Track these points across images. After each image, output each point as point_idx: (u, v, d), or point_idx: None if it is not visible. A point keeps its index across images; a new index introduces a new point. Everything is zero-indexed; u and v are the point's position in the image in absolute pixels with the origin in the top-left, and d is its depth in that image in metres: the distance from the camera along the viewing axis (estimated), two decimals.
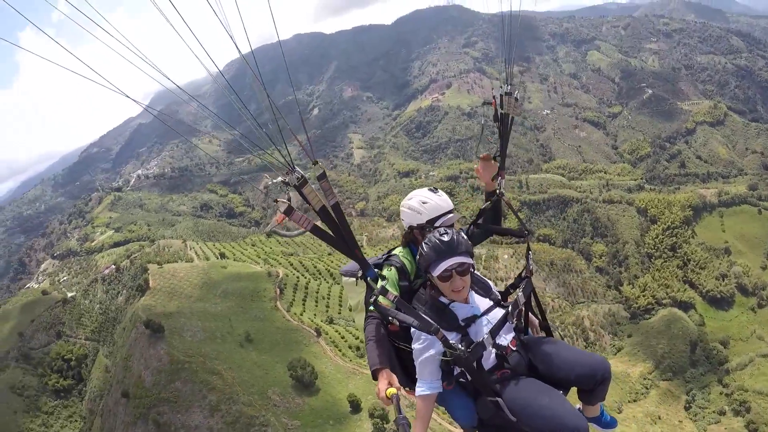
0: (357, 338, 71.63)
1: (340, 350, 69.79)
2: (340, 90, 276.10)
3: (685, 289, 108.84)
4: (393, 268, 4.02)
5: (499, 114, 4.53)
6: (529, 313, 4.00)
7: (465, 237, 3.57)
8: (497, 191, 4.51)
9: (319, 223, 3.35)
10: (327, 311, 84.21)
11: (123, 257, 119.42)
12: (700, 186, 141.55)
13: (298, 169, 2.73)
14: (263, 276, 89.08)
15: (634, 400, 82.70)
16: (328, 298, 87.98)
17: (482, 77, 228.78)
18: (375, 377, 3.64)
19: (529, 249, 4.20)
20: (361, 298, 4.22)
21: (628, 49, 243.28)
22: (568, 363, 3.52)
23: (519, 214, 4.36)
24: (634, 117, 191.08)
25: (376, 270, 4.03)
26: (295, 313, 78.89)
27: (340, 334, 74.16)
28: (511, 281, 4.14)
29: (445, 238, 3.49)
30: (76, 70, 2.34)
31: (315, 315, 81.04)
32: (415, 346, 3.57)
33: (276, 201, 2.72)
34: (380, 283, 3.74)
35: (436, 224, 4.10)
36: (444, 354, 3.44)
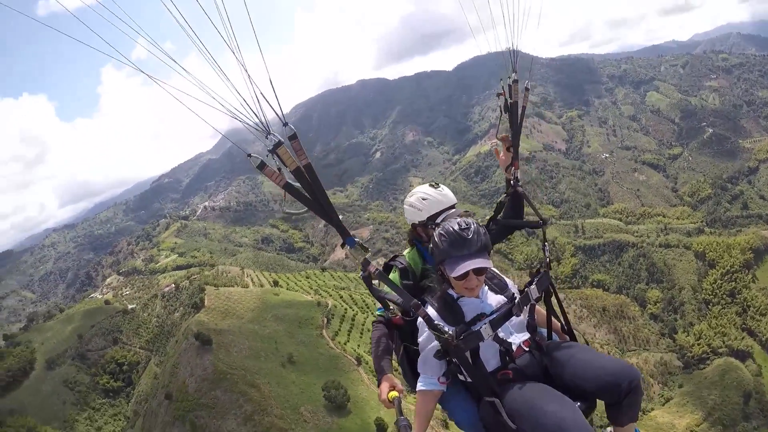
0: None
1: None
2: (402, 134, 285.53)
3: (743, 337, 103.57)
4: (396, 270, 3.98)
5: (508, 104, 4.36)
6: (552, 317, 3.73)
7: (484, 229, 3.34)
8: (512, 181, 4.34)
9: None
10: (371, 343, 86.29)
11: (183, 278, 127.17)
12: (763, 227, 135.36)
13: (274, 133, 2.87)
14: (313, 305, 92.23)
15: None
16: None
17: (540, 122, 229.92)
18: (378, 383, 3.62)
19: (545, 240, 3.96)
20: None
21: (688, 87, 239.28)
22: (588, 369, 3.12)
23: (540, 214, 4.18)
24: (694, 158, 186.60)
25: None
26: (339, 342, 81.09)
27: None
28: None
29: (466, 234, 3.23)
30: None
31: (359, 345, 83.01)
32: (419, 339, 3.43)
33: (249, 156, 2.82)
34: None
35: (437, 221, 3.94)
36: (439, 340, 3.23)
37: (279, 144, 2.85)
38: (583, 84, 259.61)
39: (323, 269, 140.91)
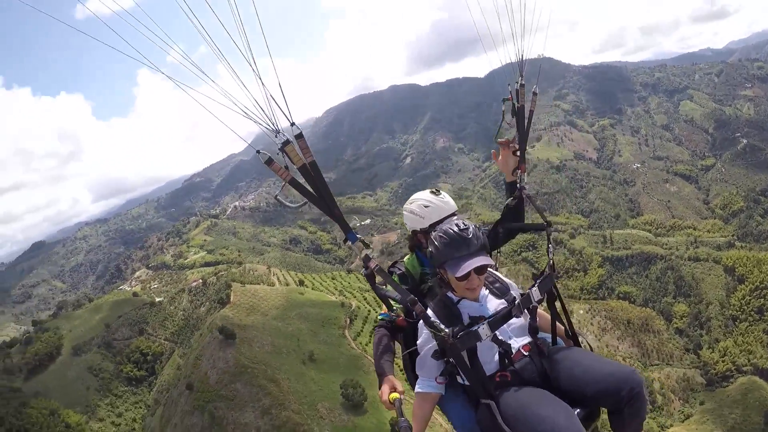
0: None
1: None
2: (432, 140, 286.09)
3: None
4: (395, 276, 4.05)
5: (515, 107, 4.41)
6: (556, 322, 3.71)
7: (481, 229, 3.44)
8: (518, 185, 4.36)
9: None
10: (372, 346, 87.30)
11: (211, 275, 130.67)
12: None
13: (282, 131, 2.99)
14: (337, 305, 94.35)
15: None
16: None
17: (572, 130, 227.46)
18: (380, 385, 3.65)
19: (549, 243, 3.86)
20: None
21: (722, 97, 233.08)
22: (587, 372, 3.09)
23: (544, 213, 4.19)
24: (727, 169, 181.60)
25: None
26: (361, 343, 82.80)
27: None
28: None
29: (465, 234, 3.29)
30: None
31: None
32: (419, 341, 3.43)
33: (258, 152, 2.94)
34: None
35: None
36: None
37: (287, 142, 3.07)
38: (615, 92, 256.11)
39: (349, 271, 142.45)
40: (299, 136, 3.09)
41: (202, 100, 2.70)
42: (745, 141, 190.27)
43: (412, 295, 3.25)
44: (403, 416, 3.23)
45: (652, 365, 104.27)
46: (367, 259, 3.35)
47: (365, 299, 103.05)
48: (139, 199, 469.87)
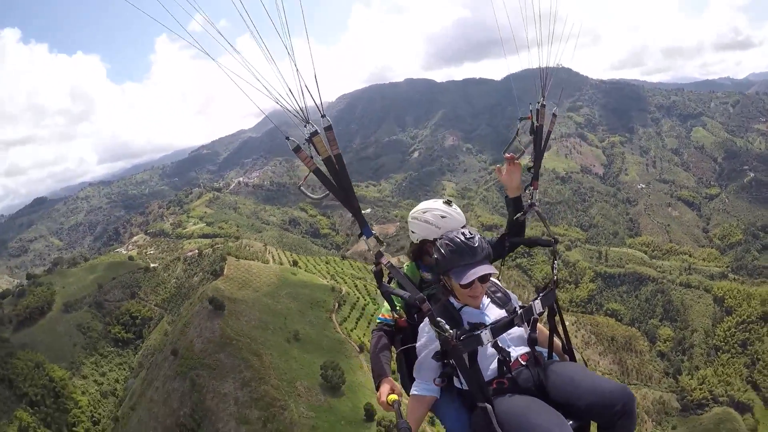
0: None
1: None
2: (442, 137, 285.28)
3: (746, 390, 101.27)
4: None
5: (534, 127, 4.47)
6: (553, 336, 3.80)
7: (486, 241, 3.53)
8: (530, 202, 4.38)
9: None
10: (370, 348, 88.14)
11: (207, 246, 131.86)
12: None
13: (312, 122, 3.00)
14: (327, 289, 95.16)
15: None
16: None
17: (582, 143, 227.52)
18: (378, 386, 3.70)
19: (554, 259, 3.96)
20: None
21: (735, 128, 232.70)
22: (582, 387, 3.13)
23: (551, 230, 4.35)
24: (731, 200, 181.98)
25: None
26: (346, 328, 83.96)
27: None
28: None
29: (472, 243, 3.39)
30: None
31: (364, 334, 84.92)
32: (418, 343, 3.51)
33: (287, 138, 2.99)
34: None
35: None
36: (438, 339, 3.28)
37: (315, 133, 3.09)
38: (629, 110, 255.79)
39: (343, 257, 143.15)
40: (328, 128, 3.15)
41: (230, 74, 2.87)
42: (752, 174, 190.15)
43: (421, 294, 3.28)
44: (402, 417, 3.26)
45: (630, 384, 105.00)
46: (379, 255, 3.42)
47: (356, 286, 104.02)
48: (144, 165, 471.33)
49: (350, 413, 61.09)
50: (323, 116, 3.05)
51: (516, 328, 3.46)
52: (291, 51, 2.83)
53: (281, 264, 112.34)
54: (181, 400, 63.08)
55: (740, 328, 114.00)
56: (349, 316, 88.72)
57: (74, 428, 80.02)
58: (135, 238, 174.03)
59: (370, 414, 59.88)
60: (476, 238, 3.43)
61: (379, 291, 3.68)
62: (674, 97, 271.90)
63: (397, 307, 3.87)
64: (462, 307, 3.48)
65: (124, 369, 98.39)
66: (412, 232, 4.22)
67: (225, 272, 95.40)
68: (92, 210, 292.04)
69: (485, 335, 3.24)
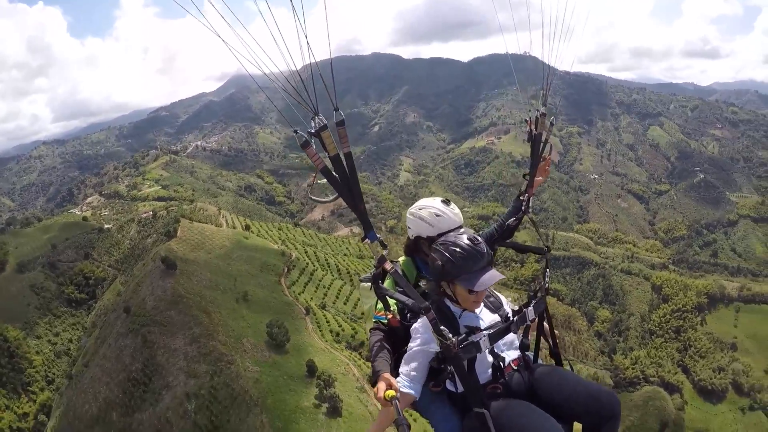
0: (340, 326, 78.21)
1: (320, 330, 75.82)
2: (404, 113, 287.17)
3: (676, 372, 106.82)
4: (390, 276, 3.80)
5: (533, 134, 4.47)
6: (541, 338, 3.88)
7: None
8: (524, 208, 4.38)
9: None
10: (323, 299, 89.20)
11: (161, 208, 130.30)
12: (726, 278, 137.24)
13: (321, 116, 2.80)
14: (277, 253, 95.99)
15: None
16: (327, 289, 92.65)
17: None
18: (375, 382, 3.47)
19: (546, 266, 3.93)
20: (373, 302, 4.04)
21: (691, 131, 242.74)
22: (570, 390, 3.22)
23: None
24: (679, 198, 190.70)
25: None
26: (294, 291, 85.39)
27: (326, 318, 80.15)
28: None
29: (480, 249, 3.27)
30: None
31: (311, 298, 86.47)
32: (412, 344, 3.42)
33: (296, 132, 2.79)
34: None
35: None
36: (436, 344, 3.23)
37: (324, 127, 2.88)
38: (590, 104, 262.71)
39: (296, 225, 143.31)
40: (341, 123, 2.99)
41: (232, 51, 2.68)
42: (702, 176, 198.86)
43: (426, 303, 3.23)
44: (401, 415, 3.08)
45: (565, 359, 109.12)
46: (382, 260, 3.41)
47: (306, 252, 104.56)
48: (101, 125, 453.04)
49: (293, 369, 62.63)
50: (336, 110, 2.94)
51: (510, 334, 3.48)
52: (306, 41, 2.70)
53: (234, 228, 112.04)
54: (133, 355, 63.56)
55: (675, 315, 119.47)
56: (297, 280, 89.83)
57: (29, 387, 79.57)
58: (89, 199, 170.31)
59: (312, 370, 61.59)
60: (481, 242, 3.33)
61: (374, 292, 3.67)
62: (636, 95, 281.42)
63: (392, 308, 3.81)
64: (462, 312, 3.43)
65: (78, 329, 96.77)
66: (409, 227, 4.15)
67: (178, 234, 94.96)
68: (46, 170, 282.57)
69: (484, 342, 3.23)
